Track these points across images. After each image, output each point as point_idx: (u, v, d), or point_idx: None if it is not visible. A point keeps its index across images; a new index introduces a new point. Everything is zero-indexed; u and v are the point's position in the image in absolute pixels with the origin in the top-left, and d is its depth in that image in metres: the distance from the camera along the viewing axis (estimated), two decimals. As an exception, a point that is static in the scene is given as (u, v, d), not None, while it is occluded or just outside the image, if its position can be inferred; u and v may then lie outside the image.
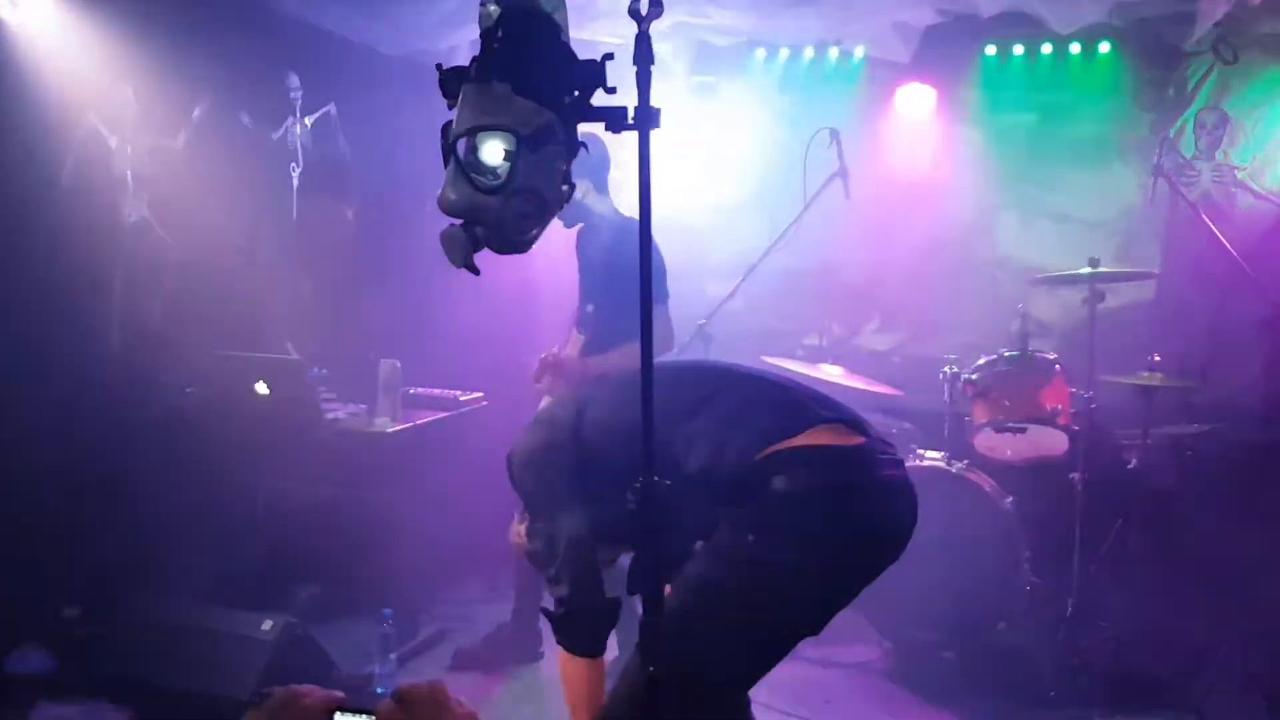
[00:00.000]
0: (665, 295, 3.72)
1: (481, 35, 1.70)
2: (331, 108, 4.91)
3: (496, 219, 1.67)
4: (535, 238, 1.73)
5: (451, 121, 1.69)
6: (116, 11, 3.85)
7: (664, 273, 3.72)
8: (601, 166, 3.73)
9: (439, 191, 1.70)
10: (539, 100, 1.67)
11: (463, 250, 1.68)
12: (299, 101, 4.72)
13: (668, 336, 3.73)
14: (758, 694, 2.42)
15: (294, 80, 4.69)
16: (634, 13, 1.64)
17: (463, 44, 5.08)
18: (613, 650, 2.75)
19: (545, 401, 3.87)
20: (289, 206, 4.71)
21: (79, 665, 3.60)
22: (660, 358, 3.72)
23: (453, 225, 1.69)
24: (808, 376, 4.36)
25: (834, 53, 5.51)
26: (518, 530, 2.60)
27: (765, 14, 5.20)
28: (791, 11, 5.13)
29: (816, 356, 4.76)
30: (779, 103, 5.68)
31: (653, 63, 1.71)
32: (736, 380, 2.48)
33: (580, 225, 3.76)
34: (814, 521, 2.15)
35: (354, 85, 5.01)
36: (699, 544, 2.29)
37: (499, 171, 1.67)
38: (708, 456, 2.19)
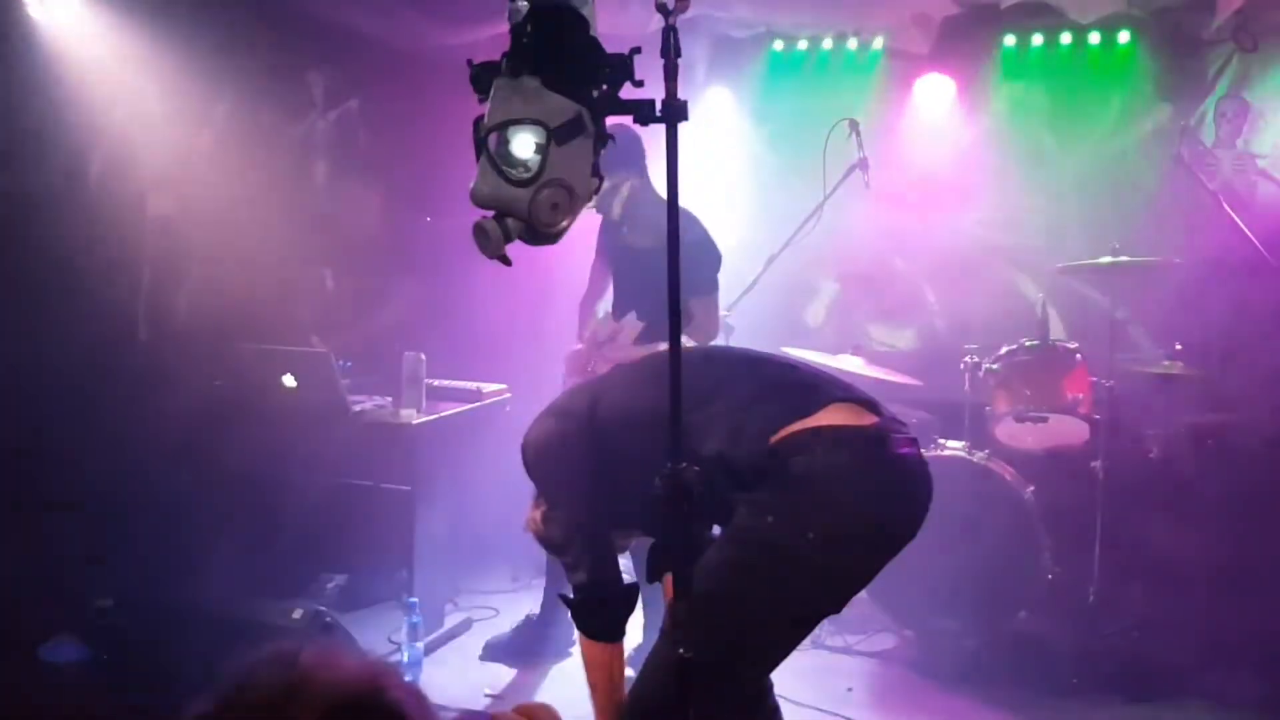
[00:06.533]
0: (715, 286, 3.81)
1: (511, 31, 1.74)
2: (354, 103, 4.95)
3: (527, 211, 1.71)
4: (566, 229, 1.78)
5: (482, 116, 1.73)
6: (143, 10, 3.90)
7: (718, 261, 3.81)
8: (641, 156, 3.76)
9: (470, 184, 1.74)
10: (568, 94, 1.71)
11: (495, 242, 1.72)
12: (322, 97, 4.76)
13: (714, 328, 3.84)
14: (779, 684, 2.45)
15: (317, 76, 4.74)
16: (661, 7, 1.67)
17: (482, 39, 5.11)
18: (634, 637, 2.77)
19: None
20: (313, 201, 4.75)
21: (111, 655, 3.66)
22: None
23: (485, 217, 1.73)
24: (828, 366, 4.39)
25: (852, 44, 5.51)
26: (533, 517, 2.62)
27: (783, 5, 5.21)
28: (810, 2, 5.15)
29: (837, 347, 4.78)
30: (798, 95, 5.68)
31: (680, 56, 1.75)
32: (748, 364, 2.50)
33: (614, 215, 3.80)
34: (832, 501, 2.17)
35: (376, 80, 5.05)
36: (715, 529, 2.32)
37: (530, 164, 1.71)
38: (724, 440, 2.21)
